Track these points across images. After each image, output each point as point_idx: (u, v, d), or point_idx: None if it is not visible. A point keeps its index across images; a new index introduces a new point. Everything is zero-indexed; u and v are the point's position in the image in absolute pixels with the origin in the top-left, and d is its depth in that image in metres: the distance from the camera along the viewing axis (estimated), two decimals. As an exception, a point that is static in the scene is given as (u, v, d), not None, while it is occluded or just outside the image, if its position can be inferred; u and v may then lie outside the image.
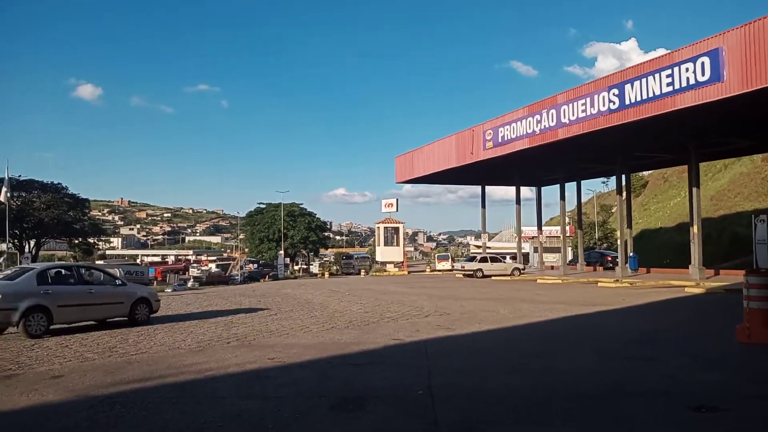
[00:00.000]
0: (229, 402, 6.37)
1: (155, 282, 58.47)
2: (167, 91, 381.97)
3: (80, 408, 6.12)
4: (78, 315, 13.31)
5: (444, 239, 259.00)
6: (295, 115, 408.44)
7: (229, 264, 62.85)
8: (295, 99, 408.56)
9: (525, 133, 27.88)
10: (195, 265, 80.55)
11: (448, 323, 13.02)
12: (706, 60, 18.80)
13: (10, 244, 42.99)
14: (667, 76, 20.20)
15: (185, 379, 7.55)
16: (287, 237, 62.02)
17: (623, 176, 34.37)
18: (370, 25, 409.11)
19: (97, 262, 75.74)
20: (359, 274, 50.29)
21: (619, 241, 31.28)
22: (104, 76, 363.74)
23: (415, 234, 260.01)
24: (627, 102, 21.90)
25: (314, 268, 66.72)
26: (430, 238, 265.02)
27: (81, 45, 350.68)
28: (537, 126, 27.01)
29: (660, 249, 43.40)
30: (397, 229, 48.78)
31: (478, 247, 49.84)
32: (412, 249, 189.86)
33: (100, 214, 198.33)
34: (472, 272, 35.00)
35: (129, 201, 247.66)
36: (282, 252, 53.72)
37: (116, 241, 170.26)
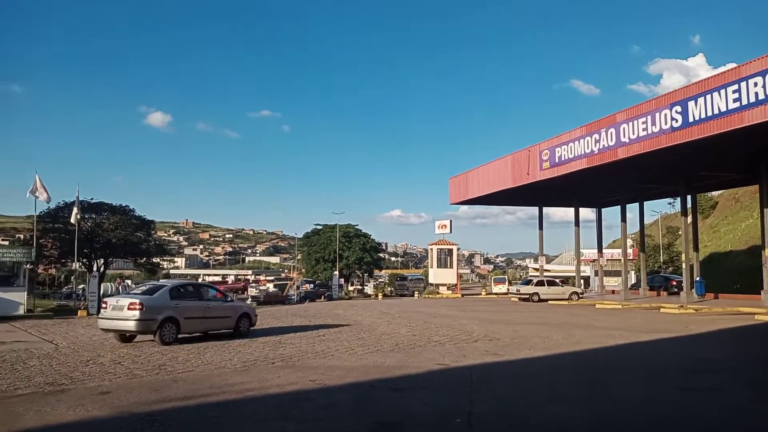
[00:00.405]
0: (266, 423, 6.35)
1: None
2: (232, 116, 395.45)
3: (121, 424, 6.23)
4: (197, 326, 15.04)
5: (502, 261, 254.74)
6: (353, 138, 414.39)
7: (287, 284, 63.81)
8: (353, 122, 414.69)
9: (583, 153, 27.20)
10: (254, 284, 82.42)
11: (497, 349, 12.65)
12: (776, 74, 17.85)
13: (80, 263, 45.11)
14: (734, 92, 19.31)
15: (226, 399, 7.59)
16: (342, 258, 62.45)
17: (688, 197, 32.98)
18: (427, 48, 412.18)
19: (162, 281, 78.57)
20: (413, 295, 49.98)
21: (684, 265, 29.87)
22: (173, 104, 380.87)
23: (472, 256, 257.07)
24: (691, 119, 21.05)
25: (369, 289, 66.83)
26: (487, 260, 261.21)
27: (152, 74, 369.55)
28: (595, 146, 26.31)
29: (730, 274, 41.10)
30: (450, 251, 48.29)
31: (537, 269, 48.70)
32: (468, 271, 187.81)
33: (165, 234, 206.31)
34: (527, 296, 34.16)
35: (193, 222, 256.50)
36: (337, 273, 54.02)
37: (180, 261, 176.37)
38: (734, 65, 19.92)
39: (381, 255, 79.94)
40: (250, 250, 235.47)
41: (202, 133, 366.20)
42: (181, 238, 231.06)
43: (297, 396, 7.83)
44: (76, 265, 43.13)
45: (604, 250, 44.73)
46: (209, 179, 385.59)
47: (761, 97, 18.26)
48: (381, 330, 17.08)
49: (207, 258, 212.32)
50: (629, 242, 51.32)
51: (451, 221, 48.04)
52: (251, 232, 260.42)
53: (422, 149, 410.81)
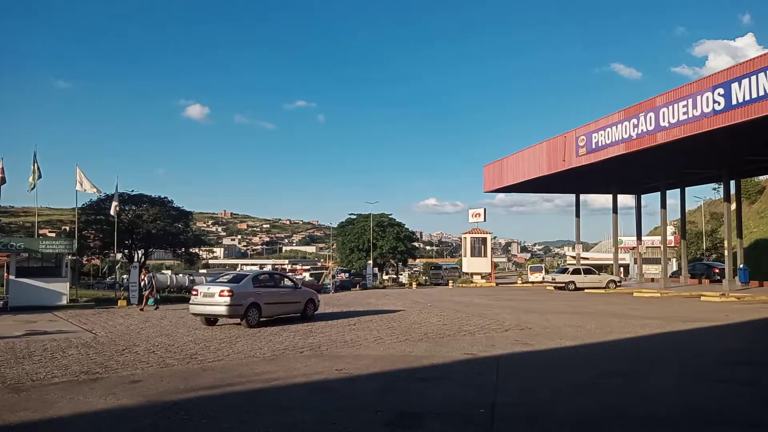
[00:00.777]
0: (288, 413, 6.40)
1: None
2: (268, 108, 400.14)
3: (148, 413, 6.37)
4: (275, 310, 16.55)
5: (539, 250, 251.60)
6: (388, 127, 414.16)
7: (322, 273, 64.47)
8: (388, 111, 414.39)
9: (620, 138, 26.47)
10: (290, 274, 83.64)
11: (528, 338, 12.48)
12: (824, 52, 16.97)
13: (121, 254, 46.40)
14: (780, 72, 18.44)
15: (252, 388, 7.69)
16: (376, 247, 62.62)
17: (732, 182, 31.85)
18: (463, 35, 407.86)
19: (201, 272, 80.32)
20: (447, 284, 49.78)
21: (726, 252, 28.89)
22: (211, 96, 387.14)
23: (509, 244, 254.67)
24: (734, 102, 20.22)
25: (403, 278, 66.89)
26: (524, 249, 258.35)
27: (189, 67, 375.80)
28: (633, 130, 25.57)
29: (777, 261, 39.57)
30: (484, 240, 47.81)
31: (574, 258, 47.90)
32: (505, 260, 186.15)
33: (204, 225, 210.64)
34: (563, 285, 33.61)
35: (231, 213, 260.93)
36: (371, 262, 54.20)
37: (219, 251, 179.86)
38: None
39: (415, 244, 79.82)
40: (286, 240, 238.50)
41: (239, 125, 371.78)
42: (219, 229, 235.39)
43: (322, 385, 7.88)
44: (117, 256, 44.43)
45: (644, 238, 43.65)
46: (246, 170, 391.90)
47: (809, 76, 17.40)
48: (411, 319, 17.05)
49: (245, 248, 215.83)
50: (671, 229, 50.00)
51: (485, 210, 47.50)
52: (288, 222, 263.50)
53: (458, 137, 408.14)
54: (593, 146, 28.30)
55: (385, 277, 66.12)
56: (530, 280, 52.37)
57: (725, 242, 30.47)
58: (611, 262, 42.13)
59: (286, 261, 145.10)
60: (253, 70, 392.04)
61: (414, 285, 51.84)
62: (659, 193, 35.20)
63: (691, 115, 22.03)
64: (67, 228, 37.30)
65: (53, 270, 24.24)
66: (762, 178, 58.43)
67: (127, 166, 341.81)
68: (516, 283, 49.90)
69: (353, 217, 69.96)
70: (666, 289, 29.62)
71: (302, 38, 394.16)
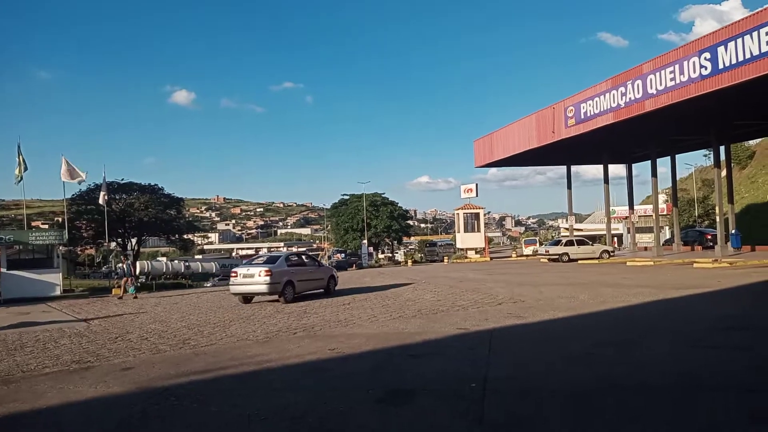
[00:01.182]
0: (279, 394, 6.38)
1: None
2: (255, 91, 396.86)
3: (138, 400, 6.33)
4: (305, 287, 18.04)
5: (533, 223, 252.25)
6: (376, 105, 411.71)
7: (318, 254, 64.54)
8: (375, 88, 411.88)
9: (609, 107, 26.36)
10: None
11: (521, 311, 12.51)
12: (812, 12, 16.85)
13: (114, 243, 46.30)
14: (767, 34, 18.30)
15: (244, 371, 7.66)
16: (370, 227, 62.66)
17: (722, 148, 31.89)
18: (447, 7, 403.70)
19: (196, 257, 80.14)
20: (443, 261, 49.93)
21: (717, 218, 29.02)
22: (196, 81, 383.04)
23: (503, 219, 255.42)
24: (721, 66, 20.12)
25: (399, 256, 67.07)
26: (518, 223, 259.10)
27: (173, 53, 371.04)
28: (622, 99, 25.45)
29: (768, 225, 39.85)
30: (477, 215, 47.86)
31: (568, 229, 48.08)
32: (499, 234, 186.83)
33: (198, 211, 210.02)
34: (557, 256, 33.78)
35: (224, 198, 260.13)
36: (365, 242, 54.28)
37: (213, 237, 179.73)
38: (768, 5, 18.82)
39: (409, 222, 79.87)
40: (281, 223, 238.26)
41: (227, 109, 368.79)
42: (213, 214, 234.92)
43: (314, 366, 7.87)
44: (109, 245, 44.31)
45: (636, 207, 43.77)
46: (238, 154, 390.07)
47: (796, 37, 17.29)
48: (406, 296, 17.07)
49: (240, 232, 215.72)
50: (663, 197, 50.13)
51: (477, 185, 47.48)
52: (282, 205, 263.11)
53: (448, 113, 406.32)
54: (582, 116, 28.19)
55: (380, 256, 66.27)
56: (525, 253, 52.61)
57: (716, 208, 30.60)
58: (605, 232, 42.33)
59: (282, 244, 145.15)
60: (237, 53, 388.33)
61: (409, 263, 52.01)
62: (650, 161, 35.26)
63: (678, 81, 21.92)
64: (60, 219, 37.00)
65: (45, 261, 24.10)
66: (752, 142, 58.56)
67: (116, 155, 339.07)
68: (510, 257, 50.10)
69: (346, 197, 69.87)
70: (659, 257, 29.79)
71: (285, 19, 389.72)
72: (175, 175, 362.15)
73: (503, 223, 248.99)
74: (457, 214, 49.66)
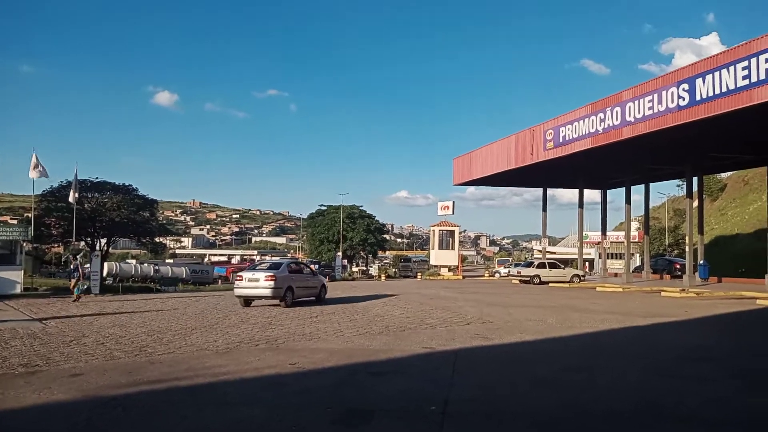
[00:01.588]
0: (233, 409, 6.11)
1: (220, 281, 60.36)
2: (239, 96, 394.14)
3: (83, 409, 6.02)
4: (302, 293, 19.25)
5: (508, 243, 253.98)
6: (361, 118, 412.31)
7: (291, 265, 63.79)
8: (361, 102, 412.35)
9: (587, 132, 26.63)
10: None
11: (488, 332, 12.38)
12: (787, 50, 17.24)
13: (83, 243, 45.13)
14: (743, 68, 18.67)
15: (199, 383, 7.37)
16: (346, 239, 62.30)
17: (695, 179, 32.45)
18: (435, 25, 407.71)
19: (167, 261, 78.85)
20: (416, 277, 49.81)
21: (687, 248, 29.41)
22: (180, 83, 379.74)
23: (478, 238, 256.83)
24: (698, 98, 20.44)
25: (373, 270, 66.77)
26: (493, 242, 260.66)
27: (158, 54, 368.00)
28: (600, 125, 25.74)
29: (736, 257, 40.58)
30: (452, 233, 47.92)
31: (541, 252, 48.39)
32: (474, 253, 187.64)
33: (173, 214, 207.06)
34: (528, 278, 33.88)
35: (200, 202, 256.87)
36: (340, 254, 53.86)
37: (187, 241, 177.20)
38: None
39: (385, 236, 79.74)
40: (256, 231, 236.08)
41: (210, 113, 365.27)
42: (188, 218, 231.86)
43: (272, 380, 7.61)
44: (78, 244, 43.18)
45: (609, 233, 44.32)
46: (217, 159, 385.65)
47: (771, 74, 17.65)
48: (375, 311, 16.86)
49: (213, 238, 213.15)
50: (635, 224, 50.80)
51: (453, 203, 47.63)
52: (258, 213, 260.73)
53: (430, 130, 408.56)
54: (560, 140, 28.45)
55: (354, 269, 65.85)
56: (496, 273, 52.77)
57: (687, 238, 31.05)
58: (577, 256, 42.72)
59: (256, 252, 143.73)
60: (223, 57, 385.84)
61: (383, 277, 51.74)
62: (624, 188, 35.73)
63: (656, 110, 22.24)
64: (30, 215, 36.01)
65: (7, 257, 23.35)
66: (724, 175, 59.90)
67: (94, 153, 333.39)
68: (483, 276, 50.21)
69: (323, 208, 69.41)
70: (628, 284, 30.06)
71: (274, 26, 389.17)
72: (153, 177, 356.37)
73: (478, 242, 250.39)
74: (433, 230, 49.67)
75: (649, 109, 22.64)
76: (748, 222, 47.96)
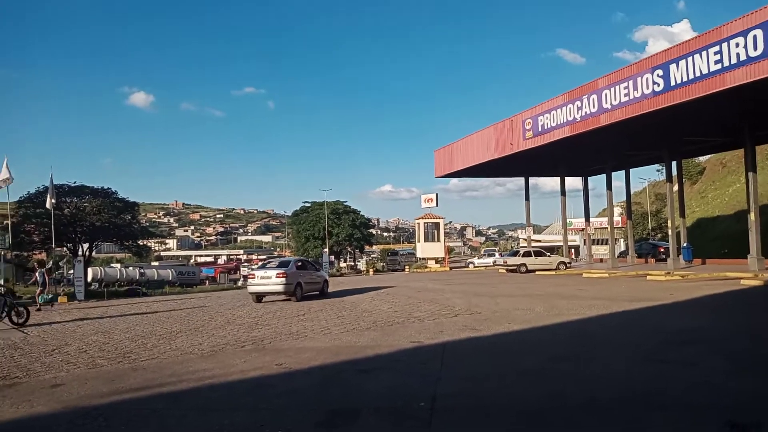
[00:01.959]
0: (216, 414, 6.01)
1: (207, 282, 59.91)
2: (215, 95, 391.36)
3: (62, 421, 5.88)
4: (309, 289, 20.75)
5: (494, 233, 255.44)
6: (339, 113, 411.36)
7: (277, 263, 63.47)
8: (338, 97, 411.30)
9: (565, 120, 26.76)
10: (245, 264, 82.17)
11: (476, 323, 12.38)
12: (759, 33, 17.43)
13: (65, 248, 44.54)
14: (715, 53, 18.87)
15: (182, 388, 7.25)
16: (332, 235, 62.11)
17: (674, 163, 32.76)
18: (410, 19, 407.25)
19: (153, 264, 78.19)
20: (404, 270, 49.85)
21: (670, 232, 29.75)
22: (155, 84, 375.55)
23: (464, 229, 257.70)
24: (672, 83, 20.63)
25: (361, 265, 66.69)
26: (479, 233, 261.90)
27: (133, 54, 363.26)
28: (578, 113, 25.87)
29: (718, 239, 41.17)
30: (437, 225, 48.02)
31: (526, 240, 48.65)
32: (460, 244, 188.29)
33: (155, 216, 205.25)
34: (515, 267, 34.03)
35: (183, 203, 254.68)
36: (326, 250, 53.73)
37: (171, 243, 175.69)
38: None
39: (372, 231, 79.54)
40: (241, 230, 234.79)
41: (187, 113, 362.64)
42: (171, 220, 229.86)
43: (258, 382, 7.52)
44: (59, 251, 42.59)
45: (593, 219, 44.67)
46: (197, 159, 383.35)
47: (743, 58, 17.83)
48: (362, 307, 16.80)
49: (199, 238, 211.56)
50: (618, 210, 51.27)
51: (437, 195, 47.73)
52: (242, 212, 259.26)
53: (411, 123, 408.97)
54: (539, 129, 28.55)
55: (342, 264, 65.76)
56: (479, 263, 52.94)
57: (669, 222, 31.38)
58: (562, 243, 43.00)
59: (242, 251, 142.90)
60: (198, 56, 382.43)
61: (371, 272, 51.76)
62: (605, 175, 35.98)
63: (632, 97, 22.39)
64: (9, 222, 35.39)
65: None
66: (702, 158, 60.59)
67: (70, 156, 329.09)
68: (469, 267, 50.36)
69: (308, 205, 69.16)
70: (614, 269, 30.32)
71: (248, 23, 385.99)
72: (133, 179, 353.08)
73: (464, 233, 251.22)
74: (418, 223, 49.74)
75: (625, 95, 22.79)
76: (728, 204, 48.60)
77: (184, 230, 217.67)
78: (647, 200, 61.03)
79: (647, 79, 21.53)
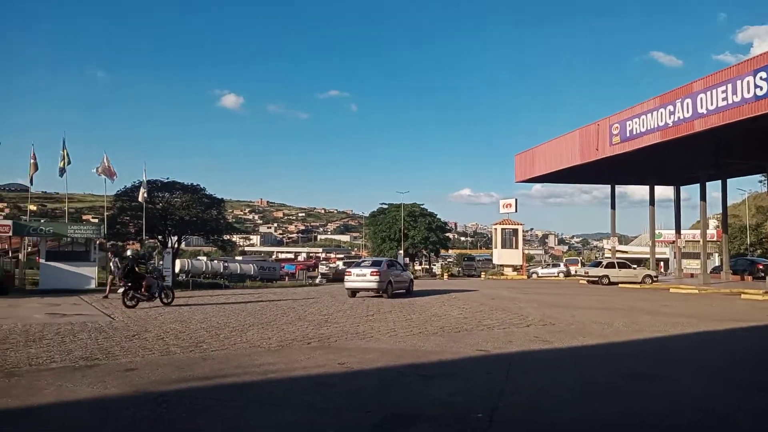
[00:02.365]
0: (274, 410, 6.06)
1: (287, 278, 61.61)
2: (301, 97, 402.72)
3: (129, 405, 6.11)
4: (397, 287, 22.11)
5: (577, 242, 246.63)
6: (421, 116, 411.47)
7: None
8: (422, 100, 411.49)
9: (656, 126, 25.36)
10: (324, 262, 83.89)
11: (548, 335, 11.90)
12: None
13: (155, 240, 47.13)
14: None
15: (245, 381, 7.38)
16: (407, 237, 62.09)
17: (779, 173, 30.24)
18: (499, 22, 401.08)
19: (236, 258, 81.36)
20: (480, 276, 49.07)
21: (771, 248, 27.46)
22: (245, 86, 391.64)
23: (546, 236, 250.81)
24: (778, 87, 19.01)
25: (436, 268, 66.31)
26: (561, 241, 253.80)
27: (224, 58, 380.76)
28: (670, 118, 24.44)
29: (827, 257, 37.63)
30: (515, 231, 46.90)
31: (611, 251, 46.60)
32: (541, 252, 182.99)
33: (241, 213, 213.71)
34: (596, 278, 32.63)
35: (268, 201, 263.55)
36: (401, 252, 53.78)
37: (255, 239, 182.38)
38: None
39: (448, 235, 78.94)
40: (321, 229, 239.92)
41: (274, 115, 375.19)
42: (256, 217, 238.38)
43: (319, 380, 7.53)
44: (150, 242, 45.13)
45: (685, 231, 42.11)
46: (282, 159, 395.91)
47: None
48: (432, 311, 16.61)
49: (281, 236, 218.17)
50: (713, 222, 48.09)
51: (516, 200, 46.59)
52: (323, 211, 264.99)
53: (493, 126, 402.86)
54: (627, 134, 27.20)
55: (417, 267, 65.65)
56: (542, 273, 51.08)
57: (770, 237, 29.02)
58: (649, 256, 40.80)
59: (321, 249, 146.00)
60: (285, 59, 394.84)
61: (446, 276, 51.34)
62: (699, 184, 33.78)
63: (731, 101, 20.86)
64: (105, 214, 37.86)
65: (83, 254, 24.60)
66: (813, 170, 55.58)
67: (165, 154, 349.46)
68: (532, 276, 48.83)
69: (385, 206, 69.55)
70: (705, 286, 28.40)
71: (334, 27, 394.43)
72: (221, 177, 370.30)
73: (546, 240, 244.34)
74: (495, 229, 48.83)
75: (723, 100, 21.28)
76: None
77: (268, 227, 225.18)
78: (746, 213, 56.81)
79: (748, 82, 19.99)
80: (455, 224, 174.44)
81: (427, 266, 68.59)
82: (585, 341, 11.16)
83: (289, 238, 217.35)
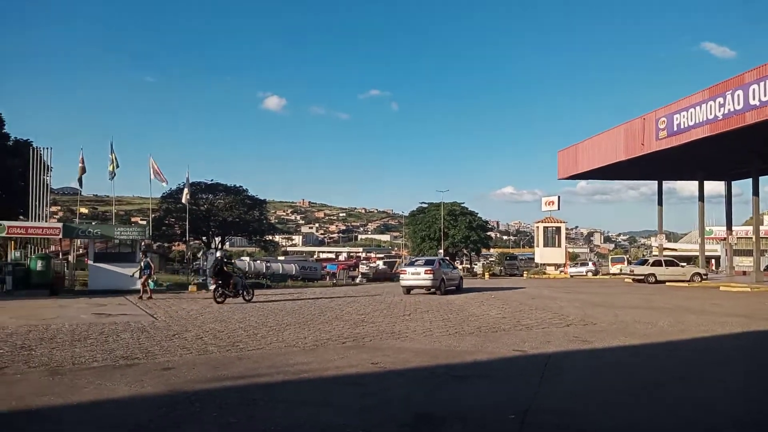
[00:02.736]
0: (303, 409, 6.07)
1: (327, 277, 62.08)
2: (343, 98, 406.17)
3: (164, 404, 6.22)
4: (448, 284, 23.16)
5: (624, 240, 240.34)
6: (462, 113, 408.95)
7: (395, 261, 64.36)
8: (462, 97, 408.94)
9: (705, 119, 24.44)
10: (364, 261, 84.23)
11: (588, 335, 11.59)
12: None
13: (199, 241, 48.30)
14: None
15: (277, 380, 7.43)
16: (447, 236, 61.76)
17: (838, 166, 28.77)
18: (539, 17, 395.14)
19: (279, 258, 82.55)
20: (522, 275, 48.37)
21: (830, 244, 26.12)
22: (287, 88, 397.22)
23: (591, 234, 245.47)
24: (837, 75, 18.05)
25: (477, 268, 65.74)
26: (608, 239, 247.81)
27: (268, 60, 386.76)
28: (719, 110, 23.52)
29: None
30: (558, 229, 45.98)
31: (658, 248, 45.19)
32: (586, 250, 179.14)
33: (284, 213, 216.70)
34: (642, 277, 31.68)
35: (309, 202, 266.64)
36: (441, 251, 53.52)
37: (297, 239, 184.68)
38: None
39: (489, 234, 78.14)
40: (362, 228, 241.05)
41: (315, 116, 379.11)
42: (298, 217, 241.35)
43: (351, 380, 7.52)
44: (195, 243, 46.26)
45: (736, 228, 40.51)
46: (323, 160, 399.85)
47: None
48: (470, 311, 16.43)
49: (322, 236, 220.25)
50: (767, 219, 46.08)
51: (559, 198, 45.71)
52: (363, 211, 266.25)
53: (536, 122, 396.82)
54: (674, 128, 26.31)
55: (458, 266, 65.20)
56: (611, 271, 49.99)
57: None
58: (699, 253, 39.40)
59: (361, 249, 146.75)
60: (327, 61, 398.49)
61: (487, 275, 50.85)
62: (752, 179, 32.42)
63: (786, 92, 19.91)
64: (154, 216, 39.06)
65: (129, 255, 25.33)
66: None
67: (209, 156, 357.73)
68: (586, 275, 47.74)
69: (424, 205, 69.38)
70: (758, 284, 27.25)
71: (376, 28, 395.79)
72: (264, 178, 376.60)
73: (591, 239, 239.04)
74: (537, 227, 48.02)
75: (778, 90, 20.31)
76: None
77: (309, 227, 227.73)
78: (804, 208, 54.24)
79: (804, 71, 19.04)
80: (497, 223, 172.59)
81: (468, 265, 68.05)
82: (626, 341, 10.82)
83: (330, 238, 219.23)
